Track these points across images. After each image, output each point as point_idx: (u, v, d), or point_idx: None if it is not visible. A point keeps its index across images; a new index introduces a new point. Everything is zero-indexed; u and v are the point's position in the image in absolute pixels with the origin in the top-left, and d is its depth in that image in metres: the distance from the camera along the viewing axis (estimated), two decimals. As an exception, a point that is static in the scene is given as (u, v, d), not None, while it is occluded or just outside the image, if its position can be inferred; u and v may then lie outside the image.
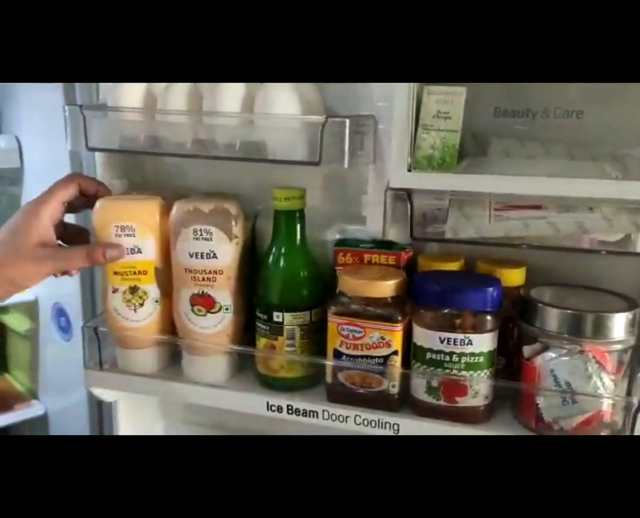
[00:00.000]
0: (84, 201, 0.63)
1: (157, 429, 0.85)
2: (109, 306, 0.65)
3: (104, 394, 0.72)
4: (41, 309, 0.98)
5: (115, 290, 0.64)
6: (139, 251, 0.63)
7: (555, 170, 0.51)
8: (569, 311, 0.53)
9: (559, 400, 0.54)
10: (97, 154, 0.70)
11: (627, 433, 0.53)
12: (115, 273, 0.63)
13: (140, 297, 0.64)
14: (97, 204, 0.62)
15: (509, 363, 0.61)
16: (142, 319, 0.65)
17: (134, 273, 0.64)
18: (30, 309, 1.00)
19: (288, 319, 0.62)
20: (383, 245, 0.64)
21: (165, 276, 0.65)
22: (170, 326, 0.66)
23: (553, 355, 0.54)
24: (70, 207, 0.62)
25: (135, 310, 0.65)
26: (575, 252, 0.51)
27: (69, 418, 0.96)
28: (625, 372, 0.54)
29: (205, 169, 0.72)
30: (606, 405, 0.53)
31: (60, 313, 0.93)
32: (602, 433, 0.54)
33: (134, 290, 0.64)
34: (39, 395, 1.03)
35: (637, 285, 0.58)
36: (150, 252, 0.63)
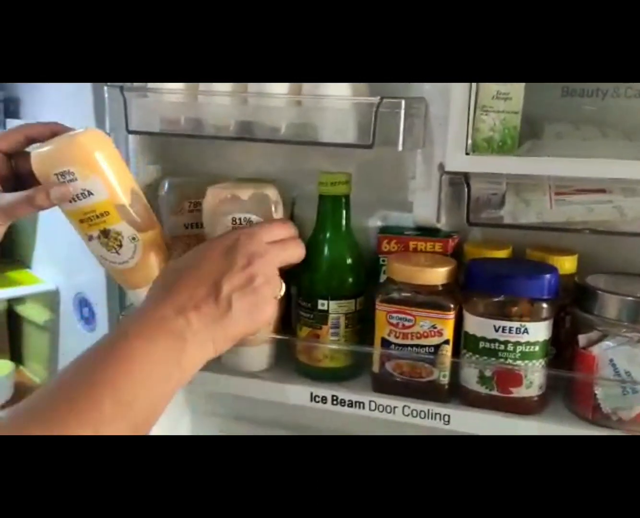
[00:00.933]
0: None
1: (184, 422, 0.83)
2: (97, 258, 0.60)
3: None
4: (62, 300, 0.96)
5: (90, 238, 0.59)
6: (90, 194, 0.56)
7: (618, 152, 0.49)
8: (628, 297, 0.52)
9: (618, 390, 0.53)
10: (131, 137, 0.68)
11: (688, 423, 0.52)
12: (81, 221, 0.58)
13: (115, 239, 0.59)
14: (32, 154, 0.56)
15: (559, 353, 0.60)
16: (129, 258, 0.59)
17: (97, 216, 0.57)
18: (51, 299, 0.98)
19: (333, 307, 0.60)
20: (427, 232, 0.62)
21: (138, 210, 0.59)
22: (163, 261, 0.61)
23: (612, 343, 0.53)
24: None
25: (117, 252, 0.59)
26: (640, 236, 0.50)
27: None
28: (685, 361, 0.53)
29: (242, 154, 0.70)
30: (667, 394, 0.52)
31: (83, 303, 0.91)
32: (661, 424, 0.53)
33: (105, 233, 0.58)
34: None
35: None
36: (101, 192, 0.56)
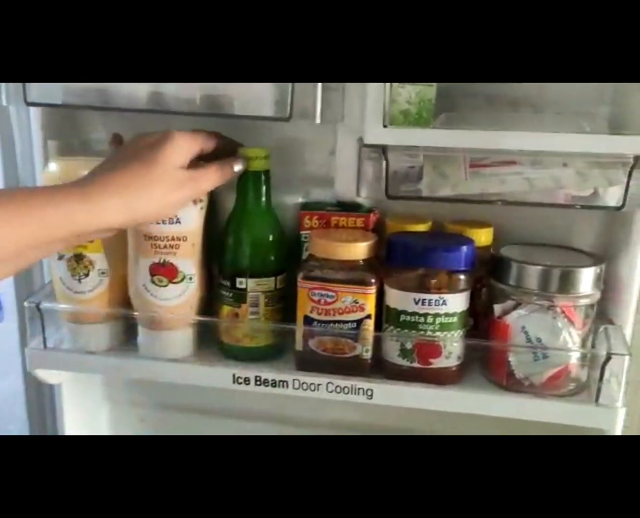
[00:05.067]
0: None
1: (103, 412, 0.80)
2: (54, 275, 0.60)
3: (49, 376, 0.66)
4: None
5: (60, 257, 0.59)
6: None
7: (527, 125, 0.51)
8: (539, 266, 0.54)
9: (530, 356, 0.55)
10: (32, 110, 0.63)
11: (594, 387, 0.54)
12: None
13: (86, 267, 0.59)
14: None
15: (476, 325, 0.61)
16: (87, 291, 0.60)
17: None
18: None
19: (251, 285, 0.59)
20: (349, 207, 0.62)
21: (116, 246, 0.59)
22: (121, 301, 0.61)
23: (524, 312, 0.55)
24: None
25: (79, 280, 0.59)
26: (551, 207, 0.52)
27: (5, 405, 0.88)
28: (590, 328, 0.56)
29: (156, 128, 0.67)
30: (574, 358, 0.55)
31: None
32: (569, 387, 0.56)
33: (79, 258, 0.59)
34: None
35: (600, 242, 0.60)
36: None
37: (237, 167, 0.56)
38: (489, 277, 0.58)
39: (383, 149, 0.51)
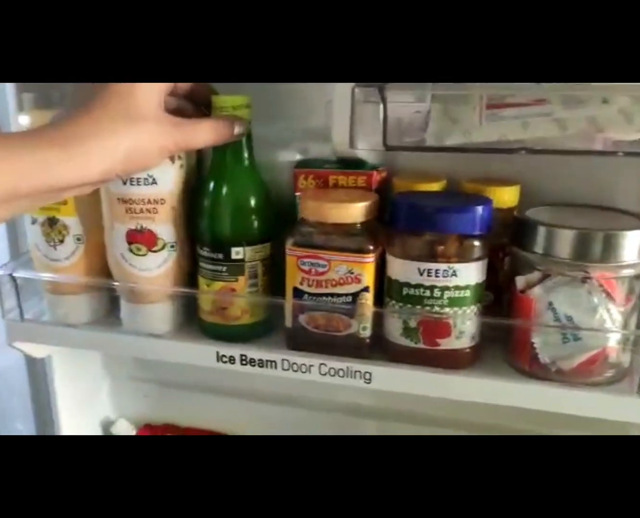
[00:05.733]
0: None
1: (103, 388, 0.76)
2: (30, 242, 0.55)
3: (33, 349, 0.62)
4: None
5: (33, 221, 0.54)
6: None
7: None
8: (570, 230, 0.44)
9: (558, 337, 0.46)
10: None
11: (637, 375, 0.45)
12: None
13: (60, 232, 0.54)
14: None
15: (497, 300, 0.53)
16: (62, 258, 0.55)
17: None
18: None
19: (250, 254, 0.52)
20: (351, 165, 0.54)
21: (91, 209, 0.54)
22: (100, 270, 0.56)
23: (552, 284, 0.46)
24: None
25: (55, 247, 0.54)
26: (586, 155, 0.42)
27: (9, 376, 0.86)
28: (635, 304, 0.46)
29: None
30: (613, 341, 0.45)
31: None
32: (607, 375, 0.47)
33: (52, 222, 0.54)
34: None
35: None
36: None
37: (238, 130, 0.48)
38: (512, 243, 0.49)
39: (379, 88, 0.43)
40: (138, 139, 0.41)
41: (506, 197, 0.51)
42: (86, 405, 0.74)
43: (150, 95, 0.42)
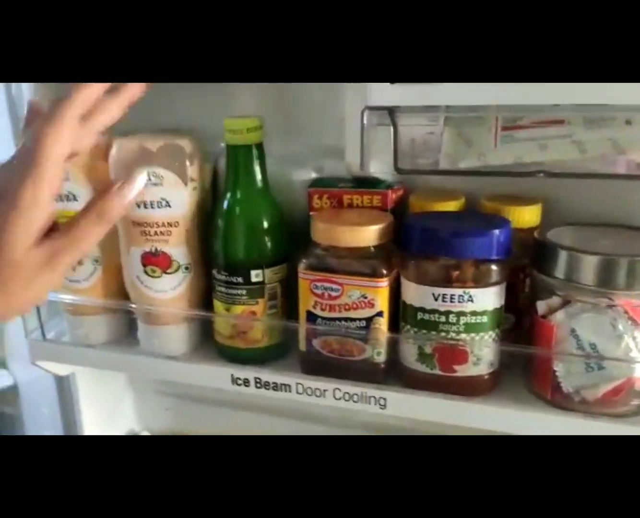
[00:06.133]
0: None
1: (126, 402, 0.77)
2: None
3: (55, 367, 0.63)
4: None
5: None
6: (74, 199, 0.53)
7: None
8: (594, 256, 0.42)
9: (581, 366, 0.44)
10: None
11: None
12: None
13: None
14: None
15: (518, 322, 0.51)
16: (82, 280, 0.55)
17: None
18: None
19: (269, 276, 0.51)
20: (367, 183, 0.53)
21: (108, 232, 0.54)
22: (117, 291, 0.56)
23: (574, 310, 0.44)
24: None
25: (74, 268, 0.55)
26: (608, 178, 0.40)
27: (39, 389, 0.88)
28: (664, 329, 0.44)
29: (154, 100, 0.61)
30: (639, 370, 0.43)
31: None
32: (633, 404, 0.44)
33: None
34: (7, 363, 0.95)
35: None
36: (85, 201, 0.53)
37: (131, 192, 0.40)
38: (532, 266, 0.47)
39: (390, 112, 0.42)
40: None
41: (527, 216, 0.49)
42: (110, 418, 0.75)
43: (18, 243, 0.35)
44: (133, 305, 0.55)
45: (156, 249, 0.53)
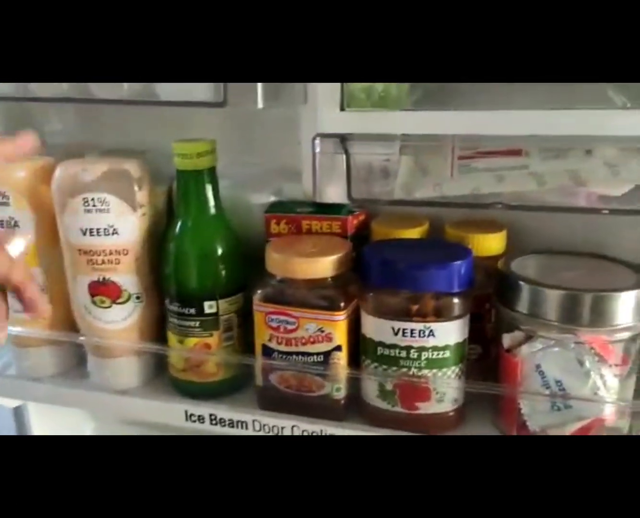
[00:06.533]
0: None
1: (86, 431, 0.73)
2: None
3: (3, 400, 0.59)
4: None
5: None
6: (16, 224, 0.50)
7: (541, 99, 0.37)
8: (557, 290, 0.40)
9: (547, 404, 0.42)
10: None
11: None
12: None
13: None
14: None
15: (486, 352, 0.49)
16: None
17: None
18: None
19: (224, 307, 0.49)
20: (327, 208, 0.50)
21: (53, 259, 0.51)
22: (66, 320, 0.53)
23: (540, 345, 0.42)
24: None
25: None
26: (567, 212, 0.38)
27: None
28: (633, 365, 0.42)
29: (106, 119, 0.58)
30: (608, 410, 0.41)
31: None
32: (603, 442, 0.42)
33: None
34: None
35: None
36: (28, 228, 0.50)
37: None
38: (495, 297, 0.45)
39: (341, 139, 0.40)
40: None
41: (491, 244, 0.47)
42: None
43: None
44: (81, 337, 0.52)
45: (104, 278, 0.50)
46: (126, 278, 0.50)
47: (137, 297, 0.51)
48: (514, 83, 0.35)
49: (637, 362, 0.42)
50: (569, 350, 0.41)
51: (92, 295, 0.50)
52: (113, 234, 0.49)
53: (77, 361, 0.56)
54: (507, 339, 0.43)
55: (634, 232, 0.45)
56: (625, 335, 0.40)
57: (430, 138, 0.38)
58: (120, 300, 0.51)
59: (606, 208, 0.36)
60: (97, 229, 0.49)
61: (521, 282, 0.41)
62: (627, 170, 0.34)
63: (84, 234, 0.49)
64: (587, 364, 0.40)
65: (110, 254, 0.49)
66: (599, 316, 0.39)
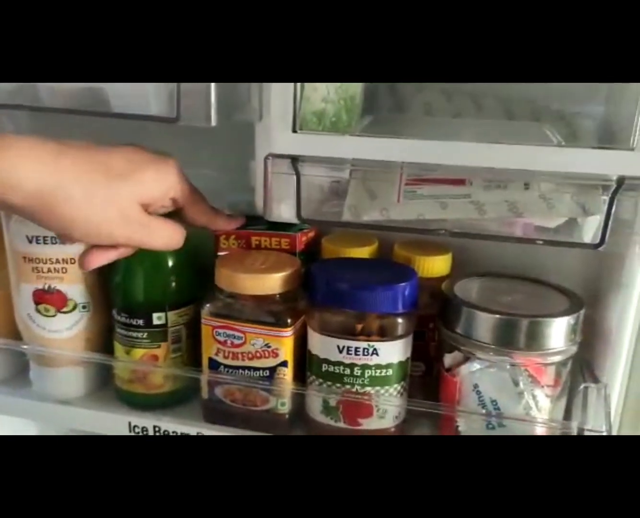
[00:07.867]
0: None
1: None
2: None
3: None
4: None
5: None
6: None
7: (484, 133, 0.39)
8: (494, 315, 0.42)
9: (482, 423, 0.43)
10: None
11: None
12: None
13: None
14: None
15: (429, 369, 0.50)
16: None
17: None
18: None
19: (173, 319, 0.49)
20: (278, 224, 0.50)
21: None
22: (9, 326, 0.52)
23: (478, 366, 0.43)
24: None
25: None
26: (504, 241, 0.39)
27: None
28: (564, 386, 0.44)
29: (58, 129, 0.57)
30: (539, 430, 0.43)
31: None
32: (535, 459, 0.44)
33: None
34: None
35: (582, 277, 0.48)
36: None
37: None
38: (438, 317, 0.46)
39: (293, 160, 0.40)
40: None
41: (437, 266, 0.49)
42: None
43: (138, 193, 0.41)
44: (24, 346, 0.51)
45: (49, 287, 0.49)
46: (72, 287, 0.49)
47: (84, 307, 0.50)
48: (460, 118, 0.37)
49: (568, 384, 0.44)
50: (505, 371, 0.42)
51: (37, 303, 0.49)
52: (60, 242, 0.48)
53: (20, 368, 0.54)
54: (447, 359, 0.45)
55: (566, 261, 0.47)
56: (558, 358, 0.42)
57: (380, 164, 0.39)
58: (65, 309, 0.50)
59: (541, 238, 0.38)
60: (44, 237, 0.48)
61: (462, 306, 0.43)
62: (561, 204, 0.36)
63: (30, 241, 0.48)
64: (521, 385, 0.42)
65: (57, 262, 0.48)
66: (533, 340, 0.41)
